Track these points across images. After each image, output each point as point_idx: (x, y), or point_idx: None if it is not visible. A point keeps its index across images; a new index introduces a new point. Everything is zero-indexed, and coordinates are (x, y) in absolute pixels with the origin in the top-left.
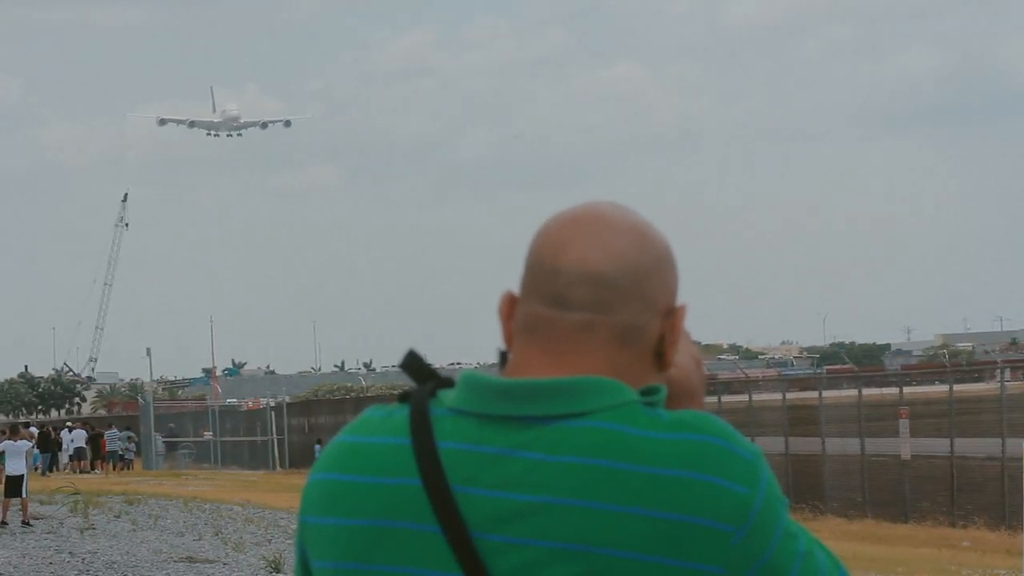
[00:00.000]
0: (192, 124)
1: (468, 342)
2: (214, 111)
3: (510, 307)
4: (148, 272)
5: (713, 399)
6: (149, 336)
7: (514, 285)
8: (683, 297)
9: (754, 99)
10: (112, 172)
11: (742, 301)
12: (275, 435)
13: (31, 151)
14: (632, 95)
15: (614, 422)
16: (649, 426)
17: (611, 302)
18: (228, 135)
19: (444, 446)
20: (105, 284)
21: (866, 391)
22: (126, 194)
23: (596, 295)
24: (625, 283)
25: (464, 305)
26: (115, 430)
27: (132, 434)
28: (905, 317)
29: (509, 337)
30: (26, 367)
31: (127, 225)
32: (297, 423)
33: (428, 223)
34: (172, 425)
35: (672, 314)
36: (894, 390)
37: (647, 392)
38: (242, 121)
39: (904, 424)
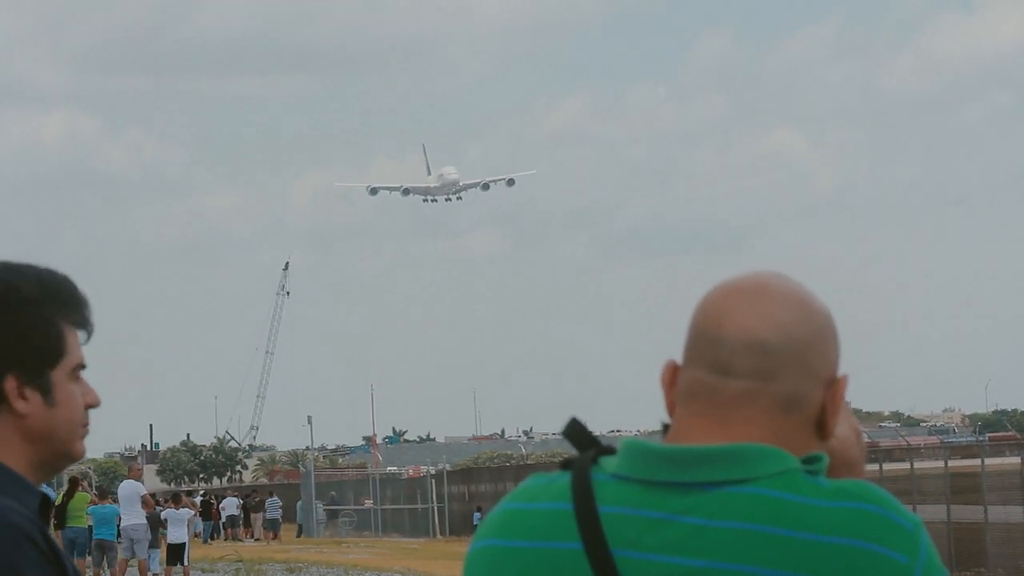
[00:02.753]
0: (407, 191)
1: (628, 409)
2: (428, 174)
3: (673, 376)
4: (309, 340)
5: (874, 467)
6: (310, 404)
7: (675, 352)
8: (844, 364)
9: (913, 165)
10: (274, 240)
11: (904, 368)
12: (435, 503)
13: (194, 220)
14: (791, 161)
15: (777, 489)
16: (811, 494)
17: (773, 371)
18: (447, 199)
19: (606, 510)
20: (267, 352)
21: None
22: (287, 263)
23: (759, 363)
24: (787, 352)
25: (624, 372)
26: (275, 498)
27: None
28: None
29: (671, 406)
30: (188, 435)
31: (288, 293)
32: (457, 491)
33: (589, 289)
34: (333, 493)
35: (834, 384)
36: None
37: (809, 460)
38: (461, 184)
39: None
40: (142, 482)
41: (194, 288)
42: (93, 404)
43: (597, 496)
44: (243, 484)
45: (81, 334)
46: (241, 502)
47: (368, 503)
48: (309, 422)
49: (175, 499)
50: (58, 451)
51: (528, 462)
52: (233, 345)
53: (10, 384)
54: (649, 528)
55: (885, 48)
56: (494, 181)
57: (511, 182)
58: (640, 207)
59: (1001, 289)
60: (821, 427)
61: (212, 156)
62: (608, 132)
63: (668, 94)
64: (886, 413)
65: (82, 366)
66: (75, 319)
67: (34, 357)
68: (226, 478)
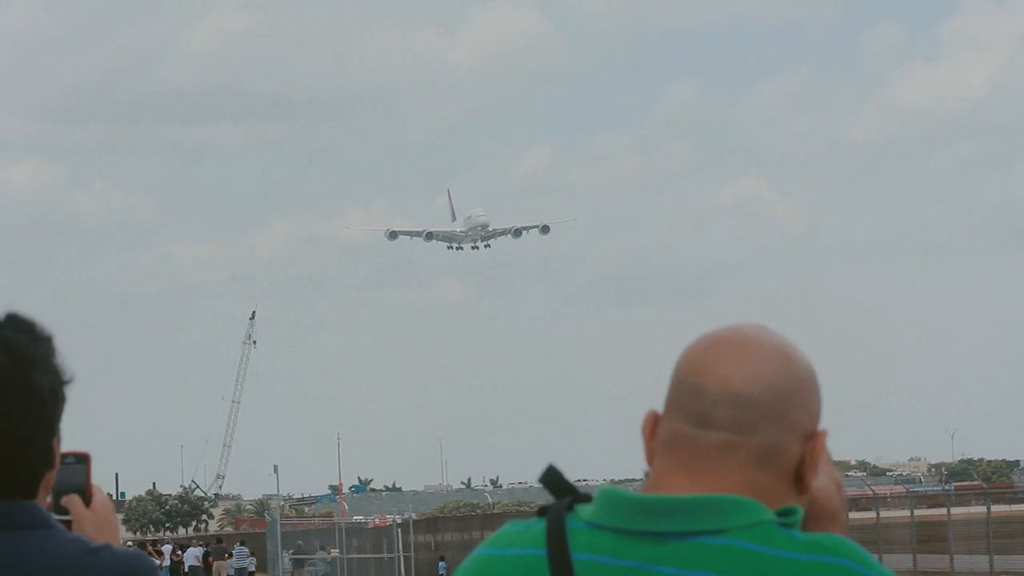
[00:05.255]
0: (429, 236)
1: (595, 459)
2: (453, 218)
3: (654, 426)
4: (275, 389)
5: None
6: (276, 453)
7: (643, 400)
8: None
9: (879, 213)
10: (240, 289)
11: (870, 417)
12: (401, 552)
13: (162, 269)
14: (757, 209)
15: (750, 541)
16: (784, 546)
17: (753, 423)
18: (474, 247)
19: (579, 557)
20: (233, 401)
21: (995, 508)
22: (254, 312)
23: (738, 416)
24: (767, 405)
25: (591, 421)
26: (244, 547)
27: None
28: None
29: (651, 455)
30: (154, 484)
31: (255, 343)
32: (423, 540)
33: (555, 338)
34: (300, 542)
35: (813, 438)
36: (1023, 507)
37: (784, 513)
38: (491, 229)
39: None
40: None
41: (161, 337)
42: None
43: (571, 543)
44: (208, 533)
45: None
46: (202, 552)
47: (334, 552)
48: (275, 471)
49: (140, 548)
50: None
51: (495, 511)
52: (199, 394)
53: (56, 444)
54: None
55: (850, 97)
56: (527, 228)
57: (545, 229)
58: (607, 255)
59: (968, 339)
60: (800, 480)
61: (179, 205)
62: (575, 180)
63: (634, 143)
64: (852, 462)
65: None
66: None
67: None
68: (192, 527)
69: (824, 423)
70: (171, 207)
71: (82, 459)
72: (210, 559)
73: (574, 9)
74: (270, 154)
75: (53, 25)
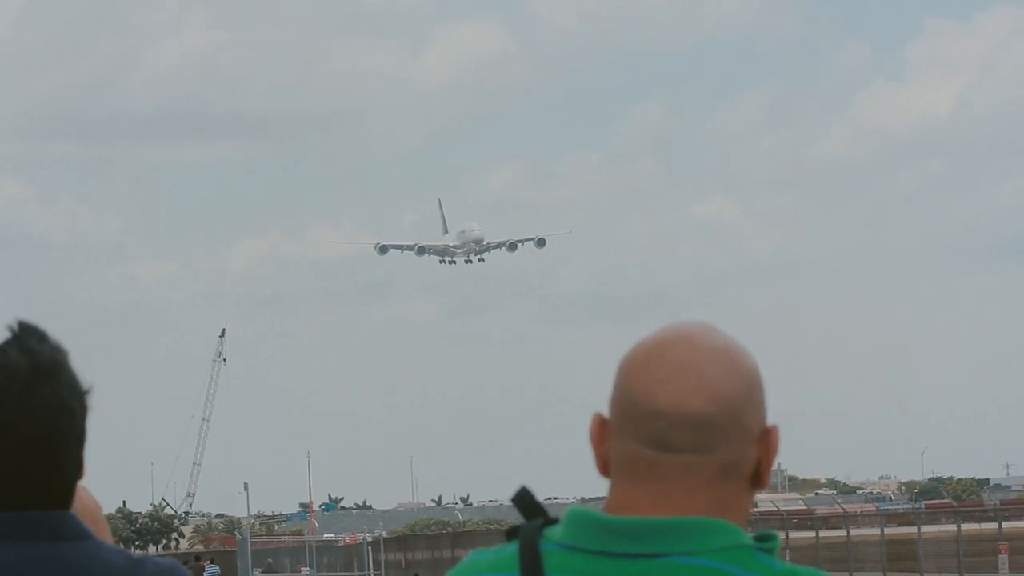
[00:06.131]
0: (421, 250)
1: (565, 477)
2: (445, 231)
3: (601, 431)
4: (245, 407)
5: (811, 534)
6: (246, 471)
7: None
8: (783, 430)
9: (847, 232)
10: (209, 307)
11: (840, 435)
12: (372, 570)
13: (129, 287)
14: (725, 228)
15: (725, 563)
16: (761, 571)
17: (712, 442)
18: (467, 260)
19: None
20: (203, 419)
21: (965, 526)
22: (224, 329)
23: (697, 437)
24: (724, 422)
25: (562, 439)
26: (215, 566)
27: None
28: (1004, 452)
29: (603, 462)
30: (124, 502)
31: (225, 360)
32: (394, 558)
33: (526, 356)
34: (270, 560)
35: (766, 436)
36: (993, 525)
37: (762, 538)
38: (486, 243)
39: (1004, 559)
40: None
41: (129, 355)
42: None
43: (545, 565)
44: (179, 552)
45: None
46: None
47: (305, 570)
48: (245, 489)
49: None
50: None
51: (465, 529)
52: (169, 412)
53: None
54: None
55: (817, 116)
56: (522, 241)
57: (541, 242)
58: (576, 273)
59: (937, 356)
60: (758, 478)
61: (145, 222)
62: (542, 198)
63: (601, 161)
64: (822, 480)
65: None
66: None
67: None
68: (162, 545)
69: (794, 442)
70: (137, 224)
71: None
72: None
73: (540, 26)
74: (237, 172)
75: (20, 41)
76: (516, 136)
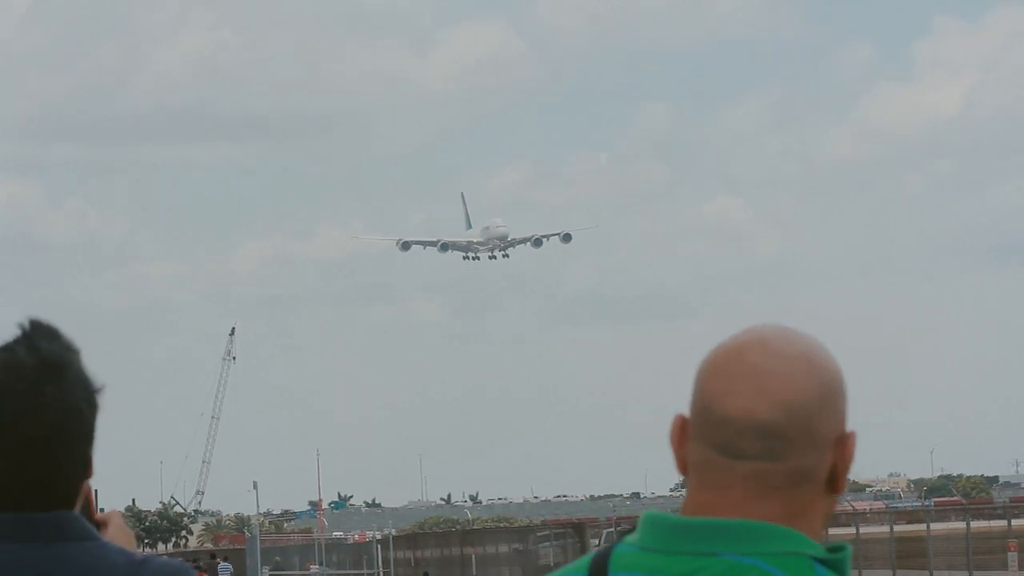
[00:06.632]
0: (444, 247)
1: (573, 475)
2: (468, 226)
3: (682, 433)
4: (255, 405)
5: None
6: (256, 469)
7: (621, 417)
8: None
9: (854, 232)
10: (218, 307)
11: None
12: (381, 568)
13: (138, 287)
14: (731, 228)
15: (778, 569)
16: None
17: (781, 449)
18: (491, 256)
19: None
20: (212, 417)
21: (974, 524)
22: (233, 328)
23: (766, 446)
24: (794, 430)
25: (569, 437)
26: (228, 563)
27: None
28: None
29: (683, 464)
30: (133, 501)
31: (234, 359)
32: (403, 556)
33: (533, 355)
34: (278, 558)
35: (843, 441)
36: (1002, 523)
37: (834, 549)
38: (511, 239)
39: (1013, 557)
40: None
41: (138, 355)
42: None
43: (612, 563)
44: (188, 550)
45: None
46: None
47: (314, 568)
48: (255, 487)
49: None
50: None
51: (474, 527)
52: (179, 411)
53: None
54: None
55: (824, 116)
56: (547, 236)
57: (567, 237)
58: (583, 272)
59: (946, 356)
60: (833, 483)
61: (153, 223)
62: (548, 199)
63: (608, 161)
64: None
65: None
66: None
67: None
68: (171, 543)
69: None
70: (143, 225)
71: None
72: (200, 573)
73: (546, 28)
74: (242, 172)
75: (26, 43)
76: (521, 136)
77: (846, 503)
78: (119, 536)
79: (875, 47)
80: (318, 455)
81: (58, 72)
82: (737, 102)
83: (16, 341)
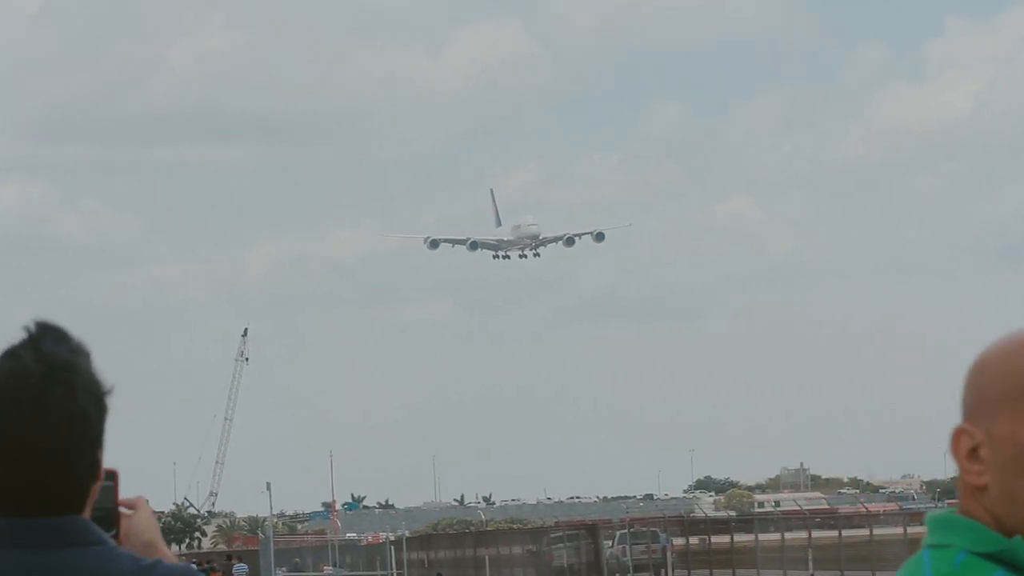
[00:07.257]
0: (474, 245)
1: (586, 476)
2: (498, 224)
3: (971, 447)
4: (268, 406)
5: (834, 533)
6: (269, 470)
7: (635, 417)
8: (794, 426)
9: (866, 232)
10: (231, 308)
11: (862, 434)
12: (395, 569)
13: (150, 288)
14: (743, 229)
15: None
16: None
17: None
18: (521, 255)
19: None
20: (225, 419)
21: None
22: (246, 329)
23: None
24: None
25: (581, 438)
26: (244, 564)
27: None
28: None
29: (979, 481)
30: (146, 502)
31: (247, 360)
32: (417, 557)
33: (546, 355)
34: (297, 560)
35: None
36: None
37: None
38: (542, 237)
39: None
40: None
41: (152, 355)
42: None
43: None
44: (202, 551)
45: None
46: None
47: (327, 569)
48: (268, 488)
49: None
50: None
51: (487, 528)
52: (192, 412)
53: (100, 455)
54: None
55: (836, 117)
56: (579, 235)
57: (600, 236)
58: (596, 274)
59: (957, 357)
60: None
61: (167, 224)
62: (561, 199)
63: (620, 162)
64: (845, 479)
65: None
66: None
67: None
68: (185, 544)
69: (817, 442)
70: (158, 226)
71: (110, 476)
72: (212, 573)
73: (559, 28)
74: (256, 173)
75: (39, 43)
76: (535, 137)
77: (859, 504)
78: (145, 522)
79: (887, 48)
80: (331, 456)
81: (70, 72)
82: (750, 102)
83: (22, 346)
